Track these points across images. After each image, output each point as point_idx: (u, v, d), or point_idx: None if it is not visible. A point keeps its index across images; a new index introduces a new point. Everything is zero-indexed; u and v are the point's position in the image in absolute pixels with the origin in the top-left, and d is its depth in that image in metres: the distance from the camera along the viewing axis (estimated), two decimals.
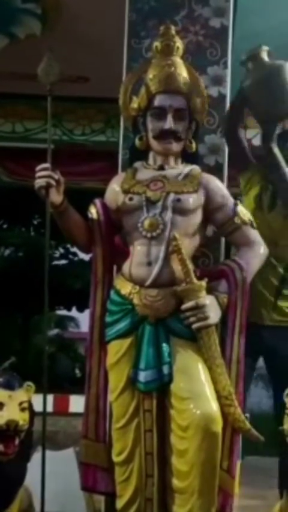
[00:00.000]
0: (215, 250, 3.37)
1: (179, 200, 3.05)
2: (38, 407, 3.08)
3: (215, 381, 2.96)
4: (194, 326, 2.96)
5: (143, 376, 2.96)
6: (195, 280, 2.98)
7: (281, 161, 3.41)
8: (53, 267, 10.30)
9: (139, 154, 3.23)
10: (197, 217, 3.10)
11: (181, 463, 2.91)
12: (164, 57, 3.18)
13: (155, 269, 3.00)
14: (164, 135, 3.13)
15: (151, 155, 3.21)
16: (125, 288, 3.05)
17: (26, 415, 2.99)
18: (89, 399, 3.16)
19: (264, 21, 3.90)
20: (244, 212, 3.15)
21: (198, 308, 2.96)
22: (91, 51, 5.12)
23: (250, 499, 4.66)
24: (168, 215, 3.03)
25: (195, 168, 3.18)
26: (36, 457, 3.13)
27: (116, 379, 3.04)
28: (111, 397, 3.09)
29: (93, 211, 3.18)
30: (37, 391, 3.06)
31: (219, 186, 3.19)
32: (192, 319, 2.96)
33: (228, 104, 3.49)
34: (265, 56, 3.36)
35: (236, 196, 3.44)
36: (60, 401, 5.33)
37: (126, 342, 3.03)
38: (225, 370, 2.99)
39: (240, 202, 3.27)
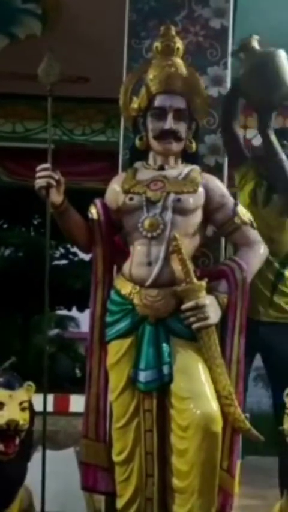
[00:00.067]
0: (215, 250, 3.37)
1: (179, 200, 3.05)
2: (38, 407, 3.08)
3: (215, 381, 2.96)
4: (194, 326, 2.97)
5: (143, 376, 2.97)
6: (195, 280, 2.98)
7: (278, 148, 3.40)
8: (53, 267, 10.30)
9: (139, 154, 3.24)
10: (197, 217, 3.10)
11: (181, 462, 2.91)
12: (164, 57, 3.18)
13: (155, 269, 3.00)
14: (164, 135, 3.13)
15: (151, 155, 3.21)
16: (125, 288, 3.06)
17: (26, 415, 2.99)
18: (89, 399, 3.16)
19: (264, 22, 3.90)
20: (244, 212, 3.16)
21: (198, 308, 2.96)
22: (91, 52, 5.12)
23: (250, 498, 4.66)
24: (169, 215, 3.04)
25: (195, 168, 3.18)
26: (36, 456, 3.13)
27: (116, 379, 3.05)
28: (111, 397, 3.09)
29: (93, 212, 3.18)
30: (37, 390, 3.06)
31: (219, 186, 3.20)
32: (192, 319, 2.96)
33: None
34: (256, 45, 3.35)
35: (236, 196, 3.45)
36: (60, 401, 5.34)
37: (127, 341, 3.03)
38: (225, 370, 3.00)
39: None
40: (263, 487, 4.71)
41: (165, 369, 2.95)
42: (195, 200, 3.08)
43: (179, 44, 3.22)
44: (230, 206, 3.14)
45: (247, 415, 3.15)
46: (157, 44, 3.21)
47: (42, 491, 3.06)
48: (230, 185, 3.46)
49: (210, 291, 3.01)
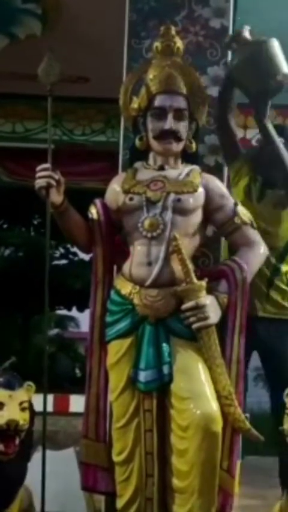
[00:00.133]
0: (215, 250, 3.37)
1: (179, 200, 3.05)
2: (38, 407, 3.08)
3: (215, 381, 2.96)
4: (194, 326, 2.97)
5: (143, 376, 2.97)
6: (195, 280, 2.98)
7: (275, 136, 3.40)
8: (53, 267, 10.29)
9: (139, 154, 3.24)
10: (197, 217, 3.11)
11: (181, 462, 2.91)
12: (164, 57, 3.18)
13: (155, 269, 3.00)
14: (164, 135, 3.13)
15: (151, 155, 3.21)
16: (125, 288, 3.06)
17: (26, 415, 2.99)
18: (89, 399, 3.16)
19: (264, 22, 3.89)
20: (244, 212, 3.16)
21: (198, 308, 2.96)
22: (91, 52, 5.12)
23: (250, 498, 4.66)
24: (169, 215, 3.04)
25: (195, 168, 3.18)
26: (36, 456, 3.13)
27: (116, 379, 3.05)
28: (111, 396, 3.09)
29: (93, 212, 3.18)
30: (37, 390, 3.06)
31: (219, 186, 3.20)
32: (192, 319, 2.96)
33: None
34: (247, 35, 3.35)
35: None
36: (60, 401, 5.34)
37: (127, 341, 3.03)
38: (225, 370, 3.00)
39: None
40: (263, 487, 4.71)
41: (165, 369, 2.96)
42: (195, 200, 3.09)
43: (179, 44, 3.22)
44: (230, 206, 3.14)
45: (247, 415, 3.15)
46: (157, 44, 3.21)
47: (42, 491, 3.06)
48: (230, 185, 3.46)
49: (210, 291, 3.01)
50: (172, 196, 3.06)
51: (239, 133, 3.67)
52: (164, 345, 2.98)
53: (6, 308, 10.22)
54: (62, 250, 11.68)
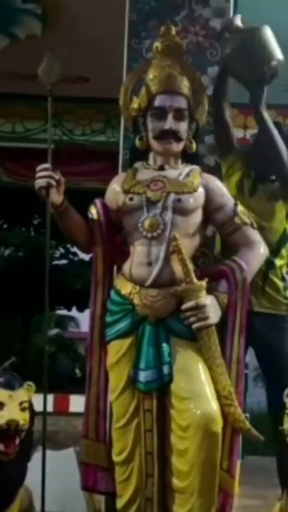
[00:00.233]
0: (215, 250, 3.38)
1: (179, 200, 3.05)
2: (38, 407, 3.08)
3: (215, 381, 2.96)
4: (194, 326, 2.97)
5: (143, 376, 2.97)
6: (195, 280, 2.98)
7: (270, 124, 3.39)
8: (53, 267, 10.29)
9: (139, 154, 3.24)
10: (197, 217, 3.11)
11: (181, 462, 2.91)
12: (164, 57, 3.18)
13: (155, 269, 3.00)
14: (164, 135, 3.13)
15: (151, 155, 3.21)
16: (125, 288, 3.06)
17: (26, 415, 2.99)
18: (89, 399, 3.16)
19: (264, 22, 3.89)
20: (244, 212, 3.16)
21: (198, 308, 2.96)
22: (91, 52, 5.12)
23: (250, 498, 4.67)
24: (169, 215, 3.04)
25: (195, 168, 3.18)
26: (36, 456, 3.13)
27: (116, 379, 3.05)
28: (111, 396, 3.09)
29: (93, 212, 3.18)
30: (37, 390, 3.06)
31: (219, 186, 3.20)
32: (192, 319, 2.97)
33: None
34: (239, 23, 3.35)
35: None
36: (60, 401, 5.33)
37: (127, 341, 3.03)
38: (225, 370, 3.00)
39: None
40: (263, 487, 4.71)
41: (165, 369, 2.96)
42: (195, 200, 3.09)
43: (179, 44, 3.22)
44: (230, 206, 3.14)
45: (247, 415, 3.16)
46: (157, 44, 3.21)
47: (42, 491, 3.06)
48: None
49: (210, 291, 3.01)
50: (172, 196, 3.06)
51: (239, 133, 3.66)
52: (164, 345, 2.98)
53: (6, 308, 10.22)
54: (62, 250, 11.68)
